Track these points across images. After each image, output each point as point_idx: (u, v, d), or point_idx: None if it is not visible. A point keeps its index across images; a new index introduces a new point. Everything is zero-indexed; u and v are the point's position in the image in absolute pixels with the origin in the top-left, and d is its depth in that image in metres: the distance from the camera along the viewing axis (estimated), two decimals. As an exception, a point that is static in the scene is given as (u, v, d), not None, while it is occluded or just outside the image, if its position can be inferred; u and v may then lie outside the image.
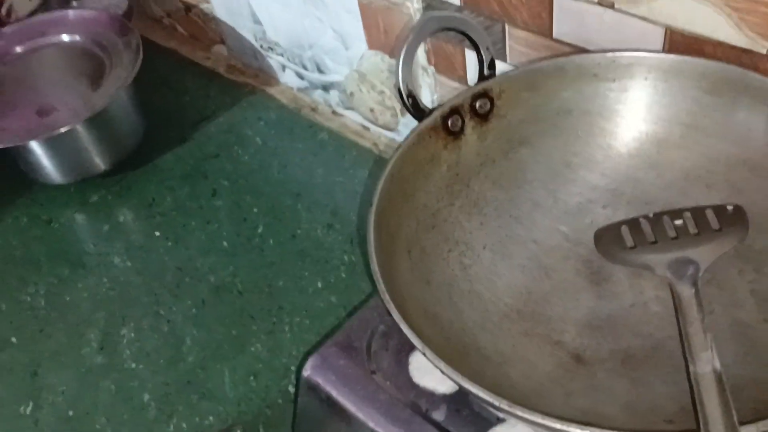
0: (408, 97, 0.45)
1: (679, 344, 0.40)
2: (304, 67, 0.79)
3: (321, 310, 0.64)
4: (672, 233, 0.41)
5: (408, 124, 0.73)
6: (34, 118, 0.75)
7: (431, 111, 0.45)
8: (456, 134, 0.46)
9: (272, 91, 0.85)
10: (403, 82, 0.44)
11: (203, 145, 0.81)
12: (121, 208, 0.77)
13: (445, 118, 0.46)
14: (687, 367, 0.34)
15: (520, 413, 0.32)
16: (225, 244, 0.71)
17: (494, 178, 0.48)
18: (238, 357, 0.62)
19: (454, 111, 0.46)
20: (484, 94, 0.46)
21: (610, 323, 0.42)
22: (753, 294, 0.41)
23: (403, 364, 0.46)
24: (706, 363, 0.32)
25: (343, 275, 0.67)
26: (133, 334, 0.66)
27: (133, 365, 0.64)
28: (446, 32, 0.46)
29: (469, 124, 0.47)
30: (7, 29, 0.81)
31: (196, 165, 0.79)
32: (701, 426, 0.30)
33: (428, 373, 0.45)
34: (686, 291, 0.37)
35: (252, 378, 0.61)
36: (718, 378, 0.32)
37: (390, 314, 0.36)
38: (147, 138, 0.81)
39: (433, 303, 0.41)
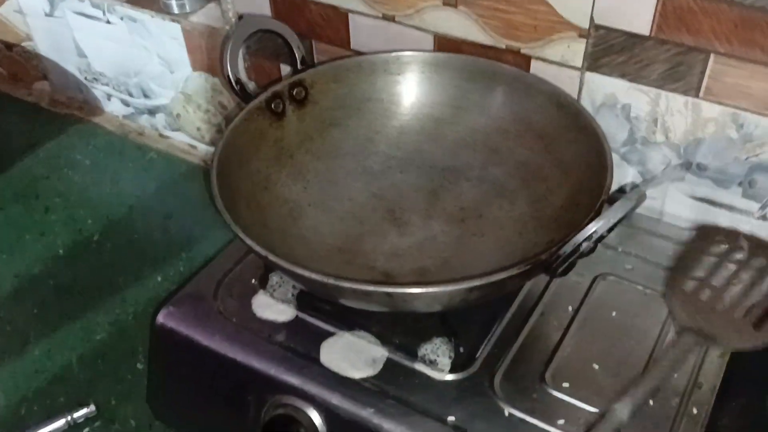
0: (236, 83, 0.55)
1: (457, 260, 0.53)
2: (130, 94, 0.87)
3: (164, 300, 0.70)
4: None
5: (232, 137, 0.83)
6: None
7: (257, 95, 0.56)
8: (279, 115, 0.57)
9: (98, 120, 0.91)
10: (231, 71, 0.54)
11: (32, 169, 0.85)
12: (-56, 229, 0.78)
13: (268, 101, 0.56)
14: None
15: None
16: (61, 252, 0.75)
17: (313, 152, 0.59)
18: (86, 345, 0.67)
19: (276, 96, 0.57)
20: (300, 84, 0.58)
21: (410, 251, 0.55)
22: (509, 219, 0.55)
23: (247, 305, 0.55)
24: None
25: (182, 269, 0.73)
26: (-29, 337, 0.68)
27: (-25, 364, 0.66)
28: (262, 44, 0.57)
29: (290, 107, 0.58)
30: None
31: (26, 187, 0.83)
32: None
33: (269, 308, 0.54)
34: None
35: (100, 361, 0.65)
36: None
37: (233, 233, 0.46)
38: (-30, 165, 0.83)
39: (270, 243, 0.50)
